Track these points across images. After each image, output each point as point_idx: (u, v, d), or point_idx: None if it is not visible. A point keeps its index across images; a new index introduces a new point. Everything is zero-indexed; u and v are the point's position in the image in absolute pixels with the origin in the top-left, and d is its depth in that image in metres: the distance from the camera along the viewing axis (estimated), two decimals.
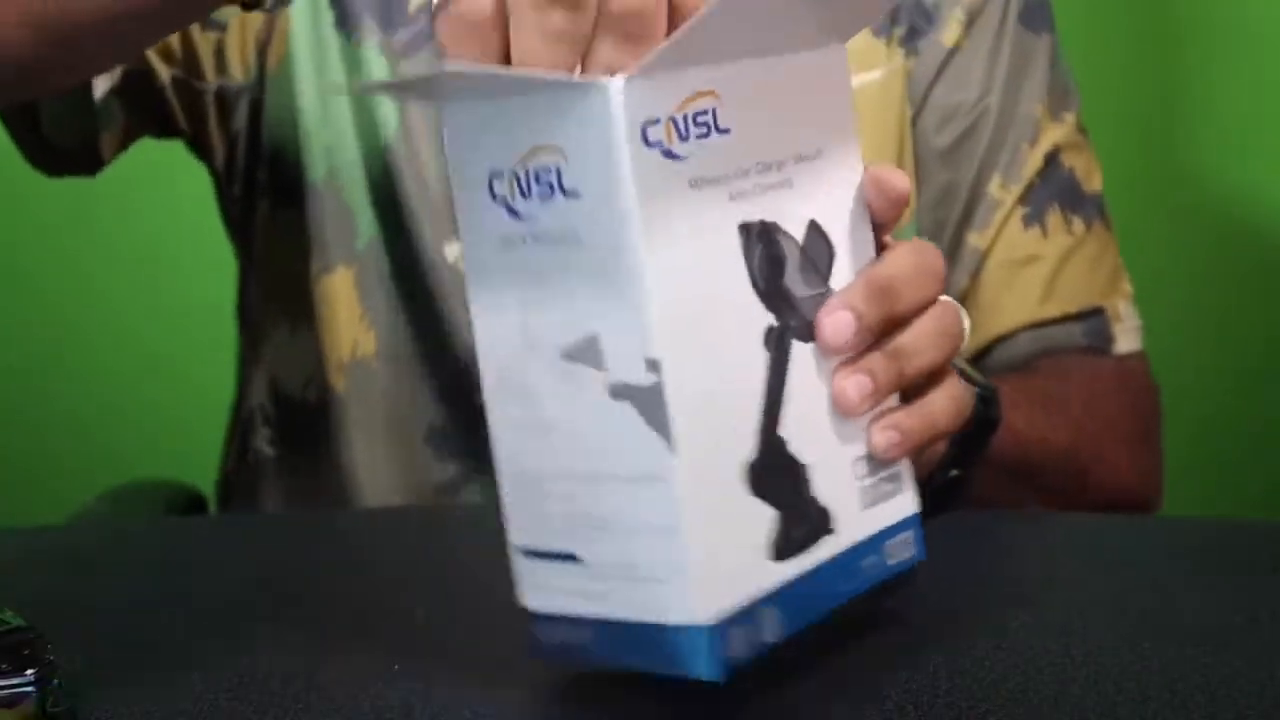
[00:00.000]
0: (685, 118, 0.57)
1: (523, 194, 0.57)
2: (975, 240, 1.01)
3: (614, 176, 0.55)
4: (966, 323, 0.67)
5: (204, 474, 1.17)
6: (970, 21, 1.00)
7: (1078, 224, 1.01)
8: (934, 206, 1.01)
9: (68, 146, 0.99)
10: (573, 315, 0.57)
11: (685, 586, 0.56)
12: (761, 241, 0.59)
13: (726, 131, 0.58)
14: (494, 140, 0.57)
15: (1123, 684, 0.63)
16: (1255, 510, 1.57)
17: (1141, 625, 0.68)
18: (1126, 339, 1.03)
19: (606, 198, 0.55)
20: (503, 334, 0.58)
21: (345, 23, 0.99)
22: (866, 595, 0.63)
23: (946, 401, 0.65)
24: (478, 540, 0.83)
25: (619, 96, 0.55)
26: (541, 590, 0.60)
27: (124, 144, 1.02)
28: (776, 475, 0.59)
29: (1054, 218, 1.01)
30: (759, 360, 0.59)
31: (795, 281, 0.60)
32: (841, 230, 0.62)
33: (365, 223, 1.00)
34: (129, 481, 1.21)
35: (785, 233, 0.60)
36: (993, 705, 0.61)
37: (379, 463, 1.00)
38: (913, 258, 0.64)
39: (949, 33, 1.00)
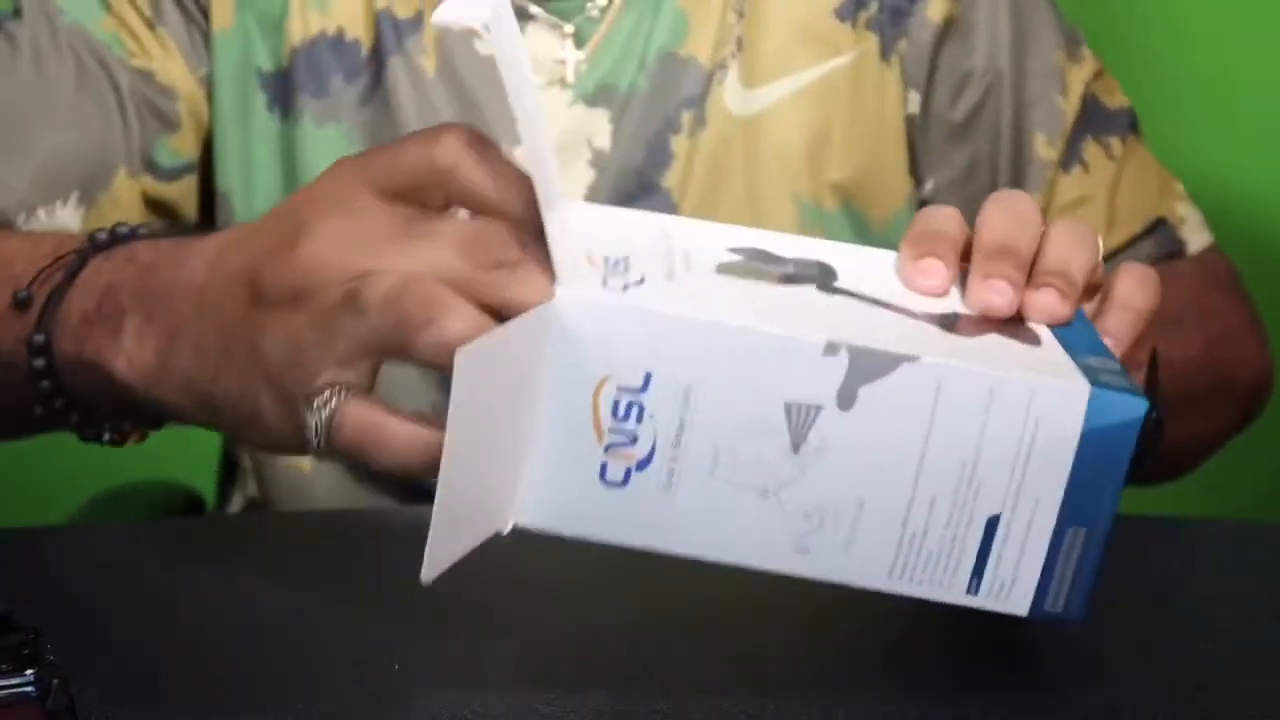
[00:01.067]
0: (604, 263, 0.58)
1: (630, 443, 0.57)
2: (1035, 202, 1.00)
3: (642, 322, 0.56)
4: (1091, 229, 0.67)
5: (204, 474, 1.17)
6: None
7: (1115, 145, 1.01)
8: (963, 183, 1.00)
9: None
10: (760, 423, 0.57)
11: (1050, 387, 0.57)
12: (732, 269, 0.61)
13: (627, 257, 0.59)
14: (568, 469, 0.57)
15: (1124, 680, 0.63)
16: (1247, 511, 1.57)
17: (1145, 624, 0.69)
18: (1196, 236, 1.03)
19: (658, 338, 0.56)
20: (753, 526, 0.58)
21: (279, 103, 0.97)
22: None
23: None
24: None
25: (578, 290, 0.56)
26: (1018, 586, 0.59)
27: None
28: (952, 321, 0.61)
29: (1091, 150, 1.00)
30: (816, 295, 0.60)
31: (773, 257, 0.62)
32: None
33: None
34: (129, 481, 1.21)
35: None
36: (997, 694, 0.61)
37: None
38: (1000, 207, 0.66)
39: (935, 7, 0.98)
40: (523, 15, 0.96)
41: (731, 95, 0.97)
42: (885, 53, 0.98)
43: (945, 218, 0.66)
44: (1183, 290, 0.97)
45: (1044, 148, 0.99)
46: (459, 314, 0.55)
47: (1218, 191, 1.07)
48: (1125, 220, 1.01)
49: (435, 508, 0.54)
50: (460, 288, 0.55)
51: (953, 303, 0.62)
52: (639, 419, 0.56)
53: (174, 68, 0.96)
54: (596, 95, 0.96)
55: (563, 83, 0.96)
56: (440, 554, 0.55)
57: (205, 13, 0.97)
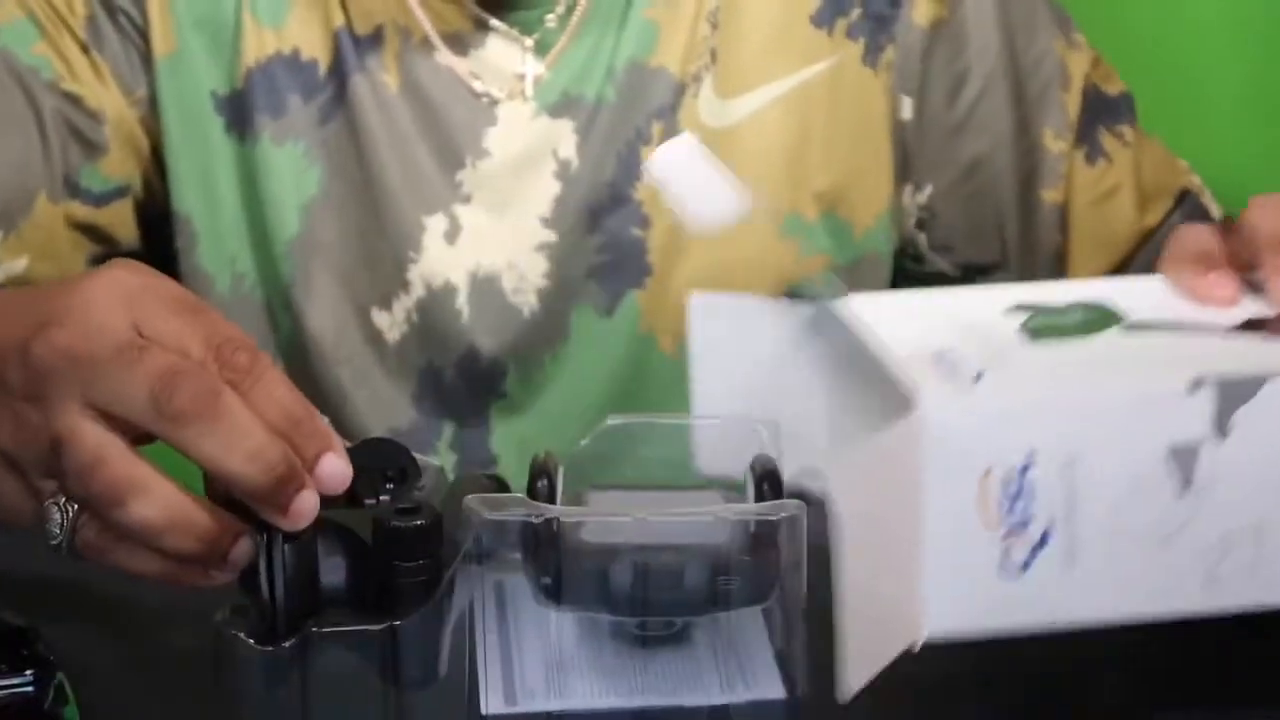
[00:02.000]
0: (936, 356, 0.59)
1: (1025, 525, 0.57)
2: (1052, 196, 1.00)
3: (1011, 406, 0.57)
4: None
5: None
6: None
7: (1127, 132, 1.01)
8: (964, 182, 1.00)
9: None
10: (1148, 474, 0.58)
11: None
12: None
13: (952, 345, 0.61)
14: (968, 568, 0.57)
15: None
16: None
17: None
18: (1213, 205, 1.03)
19: (1033, 419, 0.57)
20: (1161, 576, 0.59)
21: (237, 124, 0.98)
22: None
23: None
24: None
25: (943, 394, 0.57)
26: None
27: None
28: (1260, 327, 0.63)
29: (1108, 140, 1.00)
30: (1129, 337, 0.63)
31: None
32: None
33: (264, 333, 1.00)
34: None
35: None
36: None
37: None
38: (1263, 207, 0.68)
39: (920, 10, 0.97)
40: (482, 27, 0.96)
41: (706, 107, 0.96)
42: (869, 60, 0.98)
43: (1205, 236, 0.68)
44: None
45: (1053, 140, 0.99)
46: (149, 498, 0.56)
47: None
48: (1155, 199, 1.01)
49: (843, 629, 0.56)
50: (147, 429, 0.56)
51: (1242, 312, 0.64)
52: (1029, 501, 0.57)
53: (105, 93, 0.96)
54: (560, 106, 0.96)
55: (523, 95, 0.96)
56: (858, 670, 0.57)
57: (144, 35, 0.97)
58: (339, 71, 0.97)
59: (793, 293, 0.63)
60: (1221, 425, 0.58)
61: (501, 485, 0.62)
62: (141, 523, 0.56)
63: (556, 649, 0.60)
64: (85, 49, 0.96)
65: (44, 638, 0.61)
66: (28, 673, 0.60)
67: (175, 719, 0.64)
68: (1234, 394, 0.58)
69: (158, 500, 0.56)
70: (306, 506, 0.56)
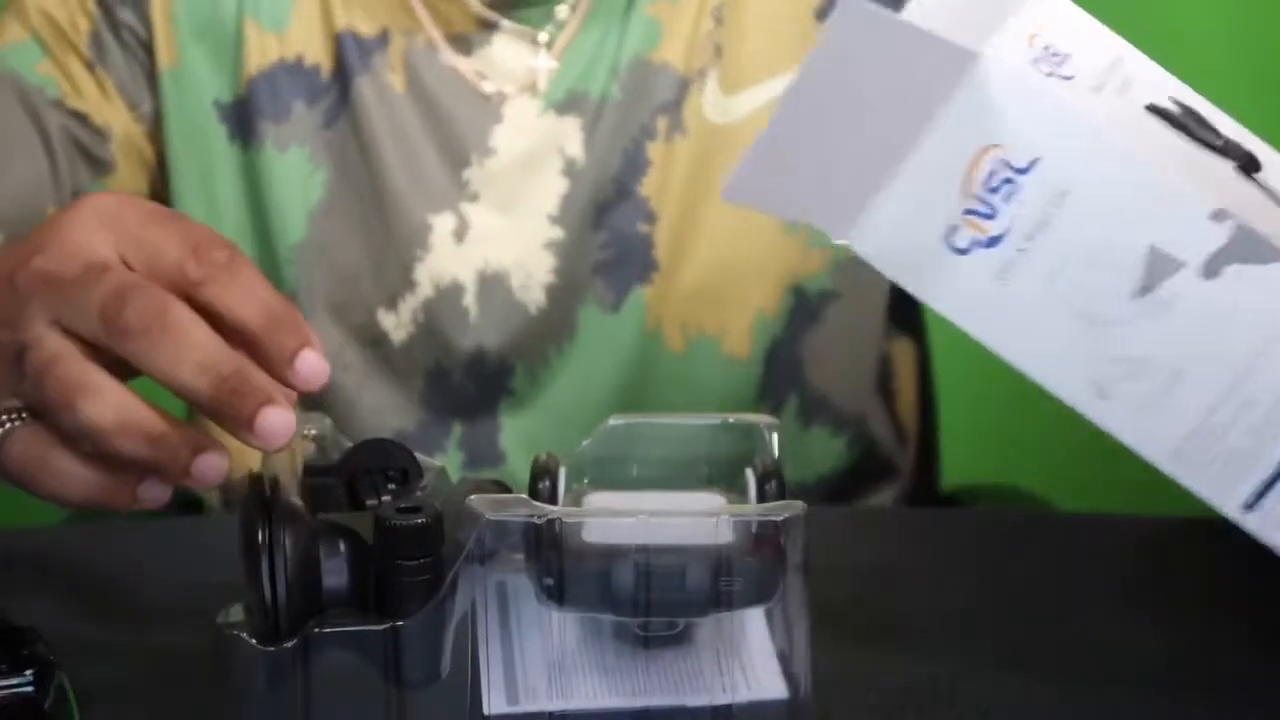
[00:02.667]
0: (1042, 49, 0.57)
1: (988, 217, 0.56)
2: None
3: (1060, 112, 0.55)
4: None
5: None
6: None
7: None
8: None
9: None
10: (1120, 255, 0.56)
11: None
12: (1161, 114, 0.60)
13: (1068, 55, 0.58)
14: (921, 215, 0.57)
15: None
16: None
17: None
18: None
19: (1067, 133, 0.55)
20: (1065, 349, 0.57)
21: (240, 132, 0.98)
22: None
23: None
24: None
25: (1008, 56, 0.55)
26: None
27: None
28: None
29: None
30: (1231, 173, 0.60)
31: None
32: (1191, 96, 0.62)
33: None
34: None
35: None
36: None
37: None
38: None
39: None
40: (486, 26, 0.96)
41: (710, 103, 0.97)
42: None
43: None
44: None
45: None
46: (100, 398, 0.56)
47: None
48: None
49: (761, 137, 0.56)
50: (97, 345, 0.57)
51: None
52: (1008, 198, 0.56)
53: (110, 110, 0.97)
54: (567, 103, 0.96)
55: (533, 90, 0.96)
56: (746, 181, 0.57)
57: (148, 49, 0.97)
58: (343, 74, 0.97)
59: None
60: (1214, 267, 0.56)
61: (504, 490, 0.62)
62: (92, 422, 0.56)
63: (558, 649, 0.60)
64: (90, 66, 0.97)
65: (44, 638, 0.61)
66: (27, 673, 0.59)
67: (176, 719, 0.64)
68: (1245, 248, 0.56)
69: (109, 401, 0.57)
70: (277, 422, 0.56)
